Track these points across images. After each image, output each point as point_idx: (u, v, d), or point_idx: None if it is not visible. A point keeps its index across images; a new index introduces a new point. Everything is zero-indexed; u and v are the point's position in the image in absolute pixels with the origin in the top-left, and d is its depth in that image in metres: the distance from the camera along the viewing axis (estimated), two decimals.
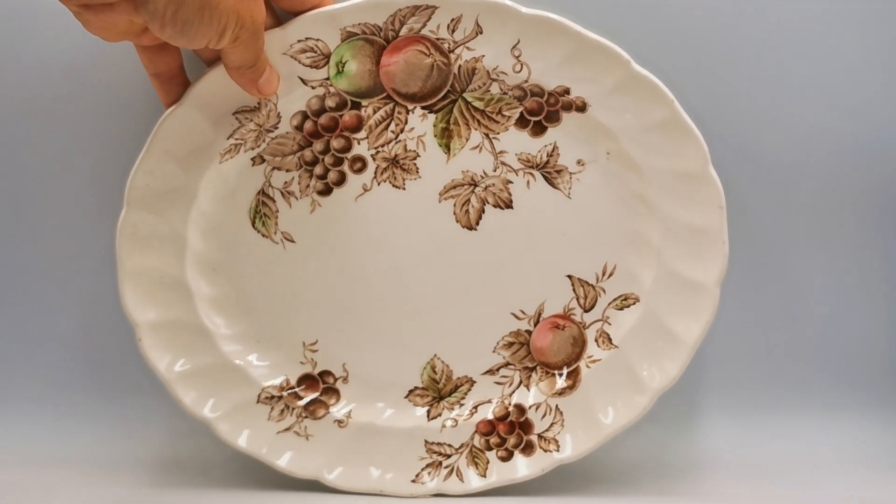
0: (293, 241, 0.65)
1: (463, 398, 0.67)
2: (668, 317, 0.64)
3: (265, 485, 0.68)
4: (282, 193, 0.64)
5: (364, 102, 0.62)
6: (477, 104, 0.62)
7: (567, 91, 0.61)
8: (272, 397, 0.66)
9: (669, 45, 0.70)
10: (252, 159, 0.63)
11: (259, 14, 0.54)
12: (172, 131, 0.60)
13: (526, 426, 0.66)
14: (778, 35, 0.72)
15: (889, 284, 0.76)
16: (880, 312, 0.77)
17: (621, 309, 0.65)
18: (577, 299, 0.66)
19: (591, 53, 0.59)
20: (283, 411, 0.66)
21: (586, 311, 0.66)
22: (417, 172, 0.64)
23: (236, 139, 0.61)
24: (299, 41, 0.59)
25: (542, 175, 0.64)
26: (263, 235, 0.64)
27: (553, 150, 0.63)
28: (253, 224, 0.64)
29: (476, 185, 0.64)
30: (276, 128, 0.62)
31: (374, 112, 0.62)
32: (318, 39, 0.59)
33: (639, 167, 0.62)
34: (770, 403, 0.77)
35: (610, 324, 0.65)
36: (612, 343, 0.65)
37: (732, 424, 0.77)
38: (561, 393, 0.66)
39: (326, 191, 0.64)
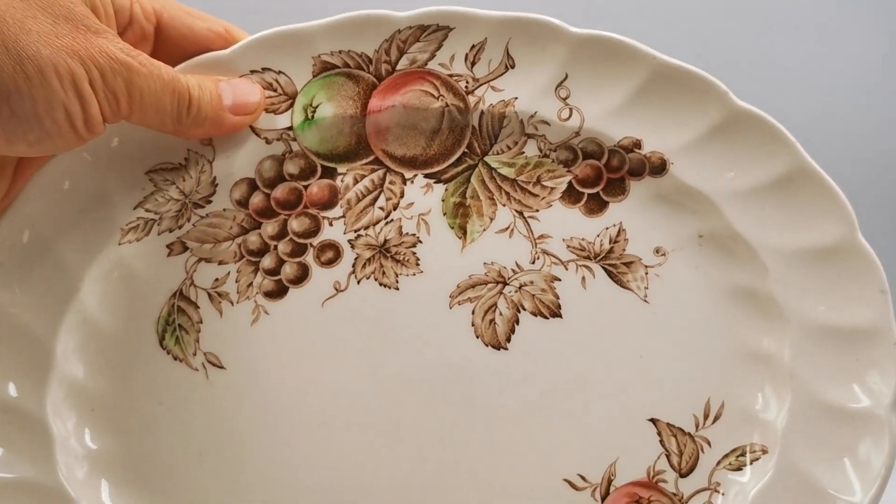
0: (222, 368, 0.46)
1: None
2: (819, 469, 0.45)
3: None
4: (209, 296, 0.46)
5: (341, 168, 0.45)
6: (505, 171, 0.46)
7: (637, 144, 0.45)
8: None
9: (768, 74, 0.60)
10: (169, 246, 0.45)
11: (115, 48, 0.37)
12: (48, 186, 0.44)
13: None
14: None
15: None
16: None
17: (739, 469, 0.46)
18: (668, 457, 0.47)
19: (671, 87, 0.44)
20: None
21: (683, 474, 0.47)
22: (417, 265, 0.46)
23: (147, 211, 0.44)
24: (252, 73, 0.43)
25: (605, 269, 0.46)
26: (177, 358, 0.46)
27: (618, 235, 0.46)
28: (161, 341, 0.46)
29: (506, 284, 0.46)
30: (209, 201, 0.45)
31: (356, 182, 0.46)
32: (279, 72, 0.44)
33: (750, 250, 0.45)
34: None
35: (722, 493, 0.46)
36: None
37: None
38: None
39: (278, 292, 0.46)
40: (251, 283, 0.46)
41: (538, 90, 0.45)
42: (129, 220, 0.45)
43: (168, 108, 0.40)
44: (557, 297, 0.46)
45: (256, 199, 0.46)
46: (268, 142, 0.45)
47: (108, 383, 0.46)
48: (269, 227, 0.46)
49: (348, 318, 0.46)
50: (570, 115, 0.45)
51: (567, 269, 0.47)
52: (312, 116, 0.45)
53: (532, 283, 0.47)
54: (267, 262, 0.46)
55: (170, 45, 0.45)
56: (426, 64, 0.45)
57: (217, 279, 0.46)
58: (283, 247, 0.46)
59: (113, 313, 0.46)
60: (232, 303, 0.46)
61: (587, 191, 0.46)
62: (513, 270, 0.47)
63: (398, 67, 0.45)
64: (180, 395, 0.46)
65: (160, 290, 0.46)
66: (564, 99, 0.45)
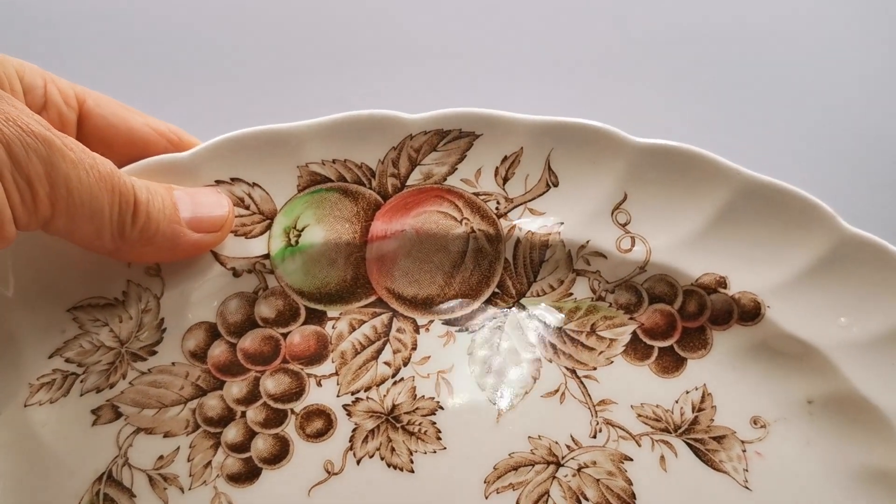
0: None
1: None
2: None
3: None
4: (150, 480, 0.34)
5: (333, 311, 0.36)
6: (550, 319, 0.37)
7: (721, 283, 0.36)
8: None
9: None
10: (95, 411, 0.34)
11: (27, 117, 0.28)
12: None
13: None
14: None
15: None
16: None
17: None
18: None
19: (761, 210, 0.35)
20: None
21: None
22: (439, 439, 0.35)
23: (68, 362, 0.34)
24: (218, 183, 0.34)
25: (689, 446, 0.35)
26: None
27: (703, 400, 0.36)
28: None
29: (560, 465, 0.35)
30: (154, 351, 0.35)
31: (353, 329, 0.36)
32: (252, 184, 0.35)
33: (880, 418, 0.35)
34: None
35: None
36: None
37: None
38: None
39: (248, 475, 0.34)
40: (209, 463, 0.35)
41: (590, 214, 0.36)
42: (40, 374, 0.34)
43: (107, 212, 0.29)
44: (630, 483, 0.35)
45: (218, 351, 0.36)
46: (236, 274, 0.35)
47: None
48: (235, 388, 0.36)
49: None
50: (633, 246, 0.36)
51: (640, 445, 0.36)
52: (296, 242, 0.36)
53: (595, 463, 0.36)
54: (232, 434, 0.35)
55: (97, 140, 0.36)
56: (445, 179, 0.36)
57: (162, 457, 0.35)
58: (255, 414, 0.36)
59: (10, 499, 0.34)
60: (182, 489, 0.34)
61: (657, 343, 0.37)
62: (568, 447, 0.36)
63: (409, 183, 0.36)
64: None
65: (80, 471, 0.34)
66: (624, 225, 0.36)
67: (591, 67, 0.55)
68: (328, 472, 0.36)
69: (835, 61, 0.58)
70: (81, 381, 0.34)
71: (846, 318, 0.36)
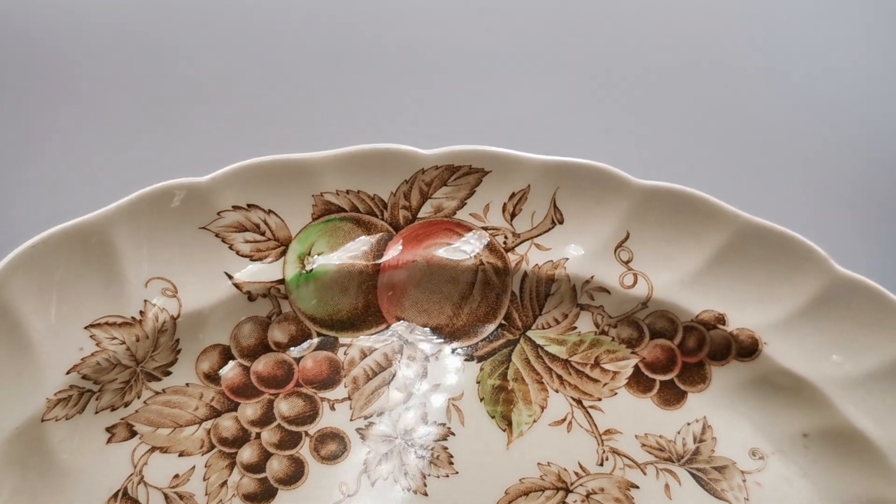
0: None
1: None
2: None
3: None
4: (166, 499, 0.34)
5: (344, 338, 0.38)
6: (555, 350, 0.38)
7: (720, 320, 0.37)
8: None
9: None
10: (110, 429, 0.34)
11: None
12: None
13: None
14: None
15: None
16: None
17: None
18: None
19: (758, 251, 0.36)
20: None
21: None
22: (451, 464, 0.36)
23: (84, 379, 0.33)
24: (234, 209, 0.35)
25: (692, 475, 0.37)
26: None
27: (704, 432, 0.37)
28: None
29: (569, 491, 0.36)
30: (168, 372, 0.35)
31: (364, 356, 0.38)
32: (268, 211, 0.35)
33: (874, 452, 0.36)
34: None
35: None
36: None
37: None
38: None
39: (264, 495, 0.35)
40: (225, 483, 0.35)
41: (594, 251, 0.37)
42: (57, 389, 0.33)
43: None
44: None
45: (232, 373, 0.36)
46: (251, 298, 0.36)
47: None
48: (250, 410, 0.36)
49: None
50: (635, 283, 0.37)
51: (645, 473, 0.37)
52: (310, 269, 0.36)
53: (603, 490, 0.37)
54: (247, 454, 0.36)
55: None
56: (455, 213, 0.37)
57: (177, 476, 0.35)
58: (269, 435, 0.36)
59: None
60: None
61: (659, 377, 0.38)
62: (576, 474, 0.37)
63: (420, 215, 0.37)
64: None
65: (95, 488, 0.34)
66: (627, 262, 0.37)
67: (601, 105, 0.57)
68: (343, 494, 0.36)
69: (833, 107, 0.60)
70: (97, 399, 0.34)
71: (838, 355, 0.38)
